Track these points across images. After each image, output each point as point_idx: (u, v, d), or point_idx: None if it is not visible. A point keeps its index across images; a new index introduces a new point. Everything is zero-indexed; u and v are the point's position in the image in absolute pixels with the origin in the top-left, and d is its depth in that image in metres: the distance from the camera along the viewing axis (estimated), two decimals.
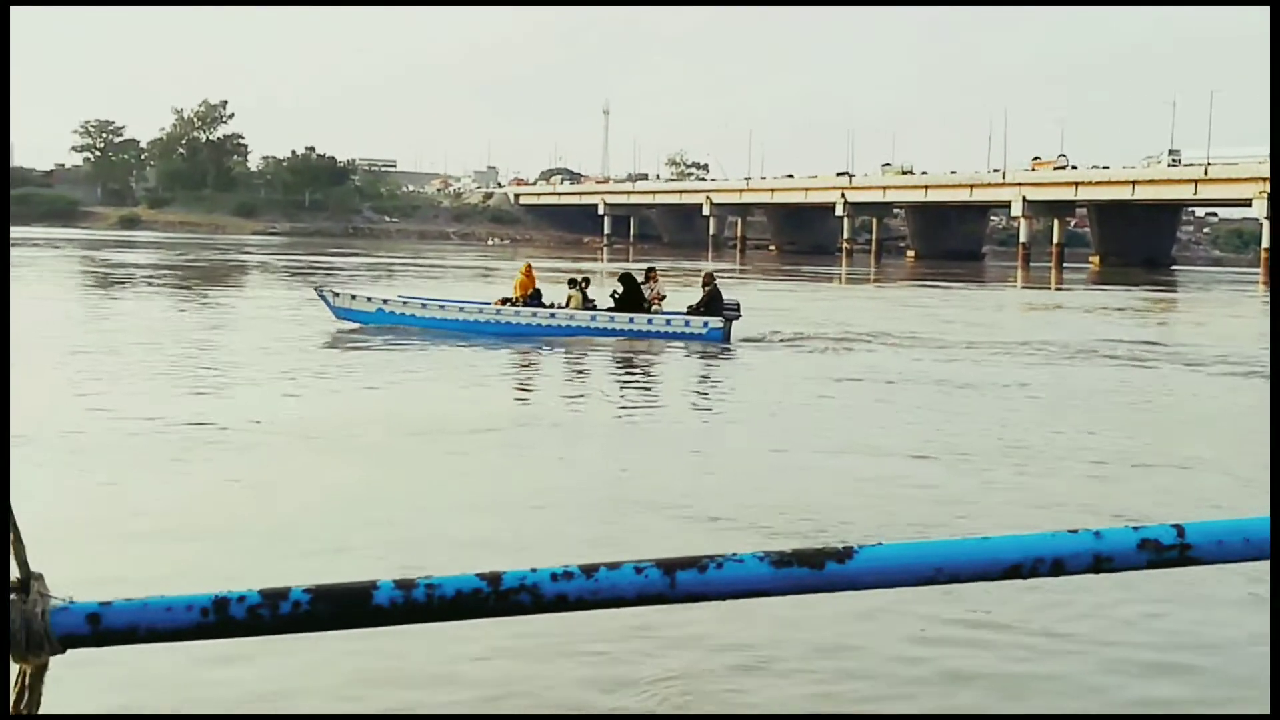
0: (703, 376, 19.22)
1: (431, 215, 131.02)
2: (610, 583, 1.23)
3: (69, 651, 1.20)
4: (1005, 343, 23.82)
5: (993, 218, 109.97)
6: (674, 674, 6.14)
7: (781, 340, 22.85)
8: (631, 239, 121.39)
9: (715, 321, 22.05)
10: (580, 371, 19.31)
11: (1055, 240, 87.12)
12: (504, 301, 22.75)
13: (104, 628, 1.17)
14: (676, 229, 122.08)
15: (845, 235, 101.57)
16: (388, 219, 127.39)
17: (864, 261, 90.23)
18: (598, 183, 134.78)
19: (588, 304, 22.54)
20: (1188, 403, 17.29)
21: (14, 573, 1.16)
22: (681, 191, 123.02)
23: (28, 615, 1.13)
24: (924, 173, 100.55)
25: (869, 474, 10.94)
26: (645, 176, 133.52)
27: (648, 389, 17.71)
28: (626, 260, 77.10)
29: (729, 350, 21.60)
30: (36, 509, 7.14)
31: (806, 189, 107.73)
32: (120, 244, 75.34)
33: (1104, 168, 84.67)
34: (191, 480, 9.96)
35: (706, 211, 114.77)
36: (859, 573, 1.26)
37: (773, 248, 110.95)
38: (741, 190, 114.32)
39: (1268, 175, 65.27)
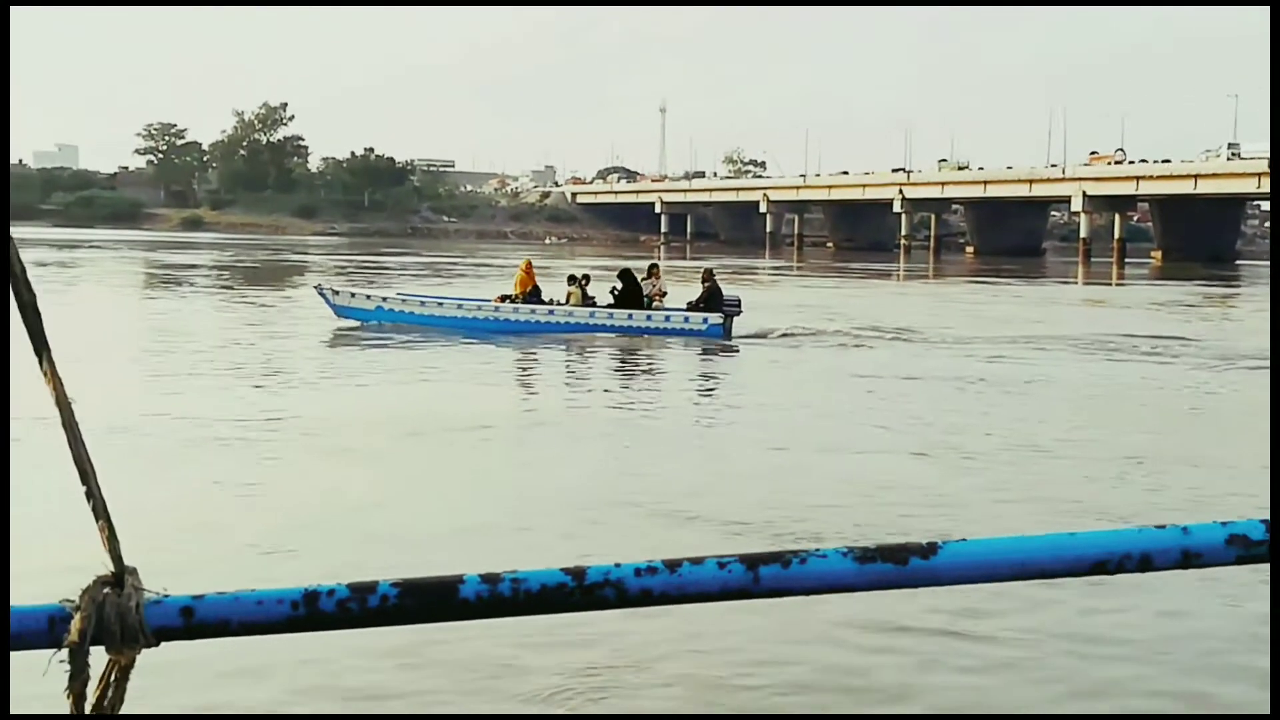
0: (700, 374, 19.05)
1: (489, 215, 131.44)
2: (694, 577, 1.22)
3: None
4: (1033, 338, 23.31)
5: (1053, 213, 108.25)
6: (573, 672, 5.94)
7: (797, 336, 22.48)
8: (688, 237, 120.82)
9: (715, 317, 21.82)
10: (578, 368, 19.20)
11: (1116, 235, 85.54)
12: (504, 298, 22.59)
13: (196, 621, 1.19)
14: (733, 227, 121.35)
15: (903, 232, 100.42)
16: (446, 219, 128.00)
17: (922, 258, 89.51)
18: (654, 181, 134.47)
19: (587, 301, 22.34)
20: (1202, 399, 16.80)
21: (109, 567, 1.18)
22: (738, 189, 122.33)
23: (122, 609, 1.16)
24: (980, 168, 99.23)
25: (855, 473, 10.73)
26: (702, 174, 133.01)
27: (644, 386, 17.53)
28: (684, 258, 76.86)
29: (730, 347, 21.34)
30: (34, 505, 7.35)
31: (864, 185, 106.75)
32: (178, 245, 76.20)
33: (1164, 161, 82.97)
34: (181, 478, 9.90)
35: (763, 209, 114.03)
36: (943, 568, 1.25)
37: (830, 245, 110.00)
38: (798, 187, 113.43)
39: None
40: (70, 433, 1.18)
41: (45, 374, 1.18)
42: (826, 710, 5.69)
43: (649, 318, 21.96)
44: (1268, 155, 74.12)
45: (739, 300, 22.30)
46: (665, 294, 22.61)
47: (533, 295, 22.48)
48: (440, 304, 22.73)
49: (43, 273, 38.01)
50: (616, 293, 22.34)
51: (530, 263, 23.29)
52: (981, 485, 10.39)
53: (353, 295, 22.98)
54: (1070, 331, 24.73)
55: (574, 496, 9.62)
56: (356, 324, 22.26)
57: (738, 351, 21.00)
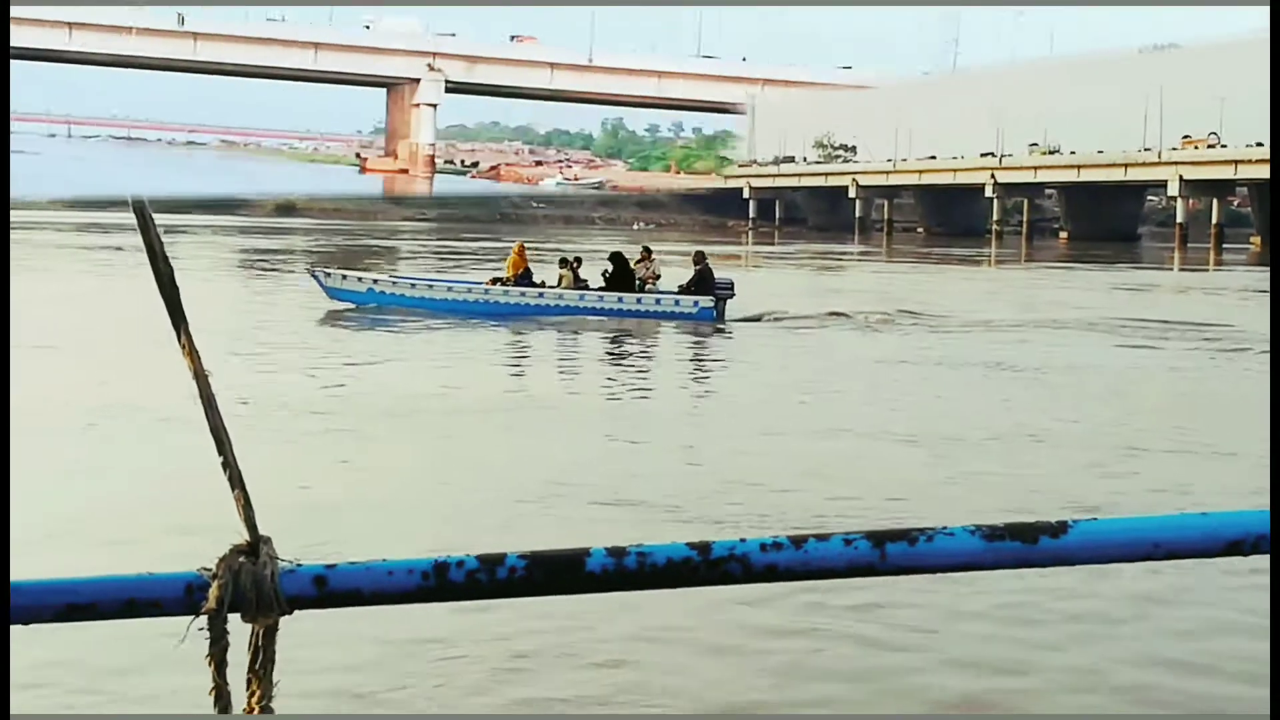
0: (684, 358, 18.88)
1: (577, 200, 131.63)
2: (820, 554, 1.22)
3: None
4: (1077, 323, 22.51)
5: (1150, 198, 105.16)
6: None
7: (797, 319, 21.94)
8: (777, 222, 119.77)
9: (705, 301, 21.53)
10: (565, 352, 19.25)
11: (1214, 220, 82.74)
12: (495, 281, 22.42)
13: (329, 590, 1.21)
14: (822, 212, 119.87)
15: (995, 217, 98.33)
16: (535, 204, 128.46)
17: (1014, 244, 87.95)
18: (741, 166, 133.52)
19: (579, 284, 22.07)
20: (1221, 388, 16.21)
21: (244, 536, 1.21)
22: (827, 174, 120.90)
23: (258, 577, 1.19)
24: (1072, 152, 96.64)
25: (820, 459, 10.53)
26: (791, 159, 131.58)
27: (629, 370, 17.33)
28: (771, 244, 76.33)
29: (722, 330, 20.94)
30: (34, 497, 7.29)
31: (954, 170, 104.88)
32: (266, 231, 77.23)
33: (1262, 145, 79.90)
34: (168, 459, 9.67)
35: (853, 194, 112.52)
36: (1073, 547, 1.23)
37: (920, 230, 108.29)
38: (888, 172, 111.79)
39: None
40: (207, 404, 1.18)
41: (183, 346, 1.18)
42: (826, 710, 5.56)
43: (639, 301, 21.73)
44: None
45: (731, 283, 22.02)
46: (659, 277, 22.32)
47: (524, 278, 22.22)
48: (431, 286, 22.66)
49: (118, 256, 38.37)
50: (608, 275, 22.03)
51: (523, 246, 23.11)
52: (954, 474, 10.09)
53: (344, 277, 22.93)
54: (1119, 316, 23.87)
55: (531, 482, 9.42)
56: (349, 306, 22.22)
57: (730, 336, 20.61)
